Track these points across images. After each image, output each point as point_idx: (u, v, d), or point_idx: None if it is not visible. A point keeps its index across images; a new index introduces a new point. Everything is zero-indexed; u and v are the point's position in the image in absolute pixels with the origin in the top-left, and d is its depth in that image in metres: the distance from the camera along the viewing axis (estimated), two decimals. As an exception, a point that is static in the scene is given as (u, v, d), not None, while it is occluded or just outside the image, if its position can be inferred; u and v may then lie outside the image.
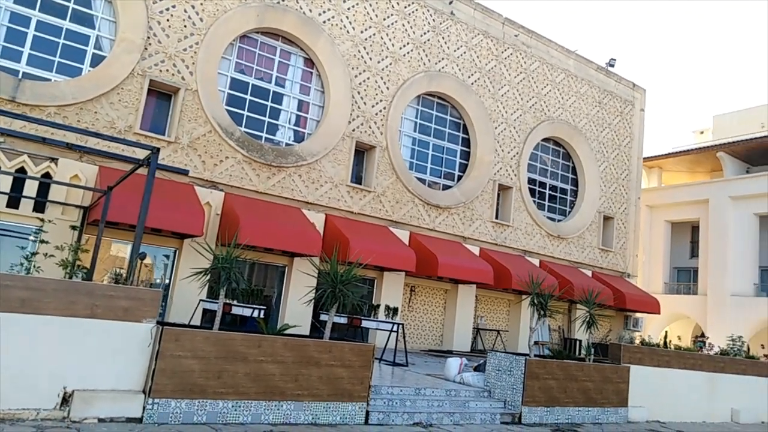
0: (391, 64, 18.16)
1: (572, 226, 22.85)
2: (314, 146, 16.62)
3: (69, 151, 12.04)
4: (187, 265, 13.33)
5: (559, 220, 23.03)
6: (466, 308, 19.45)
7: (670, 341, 18.72)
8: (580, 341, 20.16)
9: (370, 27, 17.81)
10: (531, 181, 22.20)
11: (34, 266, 8.59)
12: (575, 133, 23.17)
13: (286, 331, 8.64)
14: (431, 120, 19.94)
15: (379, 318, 14.12)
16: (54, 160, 12.81)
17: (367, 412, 8.30)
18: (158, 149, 7.82)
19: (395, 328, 13.17)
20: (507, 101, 21.02)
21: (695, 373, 13.38)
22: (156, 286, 14.36)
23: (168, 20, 14.42)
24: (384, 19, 18.13)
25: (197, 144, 14.61)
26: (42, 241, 10.55)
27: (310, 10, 16.64)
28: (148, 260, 14.65)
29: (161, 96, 14.76)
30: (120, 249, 14.21)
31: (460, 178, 20.26)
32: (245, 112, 16.17)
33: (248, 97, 16.26)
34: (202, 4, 14.92)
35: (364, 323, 13.41)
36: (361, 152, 17.89)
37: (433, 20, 19.31)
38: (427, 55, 19.02)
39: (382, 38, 18.04)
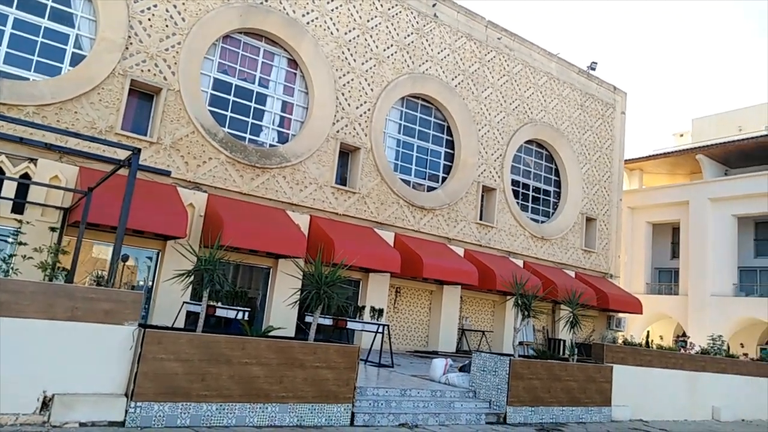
0: (375, 65, 18.16)
1: (555, 228, 23.05)
2: (298, 147, 16.55)
3: (48, 151, 11.84)
4: (170, 267, 13.17)
5: (542, 222, 23.21)
6: (451, 309, 19.50)
7: (652, 341, 18.98)
8: (564, 341, 20.34)
9: (354, 28, 17.80)
10: (514, 182, 22.35)
11: (12, 268, 8.41)
12: (558, 135, 23.39)
13: (271, 333, 8.58)
14: (415, 122, 19.98)
15: (364, 319, 14.09)
16: (33, 160, 12.58)
17: (353, 414, 8.27)
18: (139, 150, 7.72)
19: (380, 330, 13.14)
20: (490, 103, 21.15)
21: (677, 372, 13.56)
22: (138, 289, 14.18)
23: (149, 19, 14.26)
24: (368, 21, 18.14)
25: (180, 145, 14.46)
26: (20, 243, 10.34)
27: (294, 11, 16.58)
28: (130, 262, 14.46)
29: (143, 96, 14.58)
30: (101, 251, 14.00)
31: (444, 179, 20.32)
32: (228, 113, 16.05)
33: (231, 97, 16.13)
34: (184, 3, 14.78)
35: (350, 325, 13.37)
36: (346, 153, 17.86)
37: (417, 22, 19.37)
38: (411, 57, 19.06)
39: (366, 40, 18.04)
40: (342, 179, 17.69)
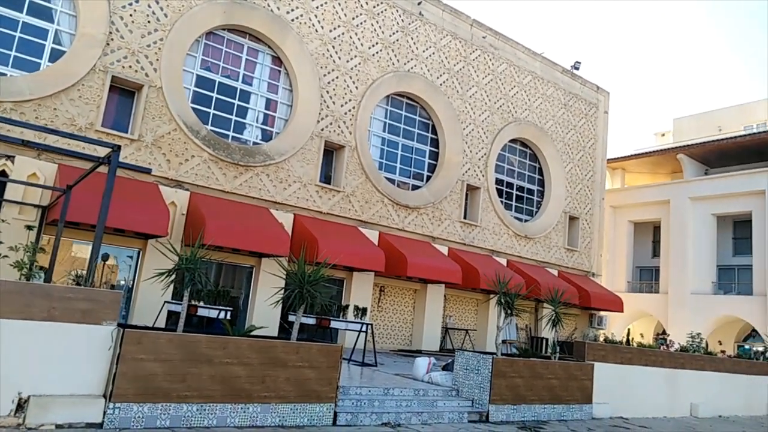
0: (360, 63, 18.12)
1: (539, 226, 23.21)
2: (282, 145, 16.46)
3: (26, 148, 11.62)
4: (151, 266, 12.98)
5: (526, 221, 23.37)
6: (435, 308, 19.55)
7: (633, 339, 19.22)
8: (547, 339, 20.50)
9: (339, 26, 17.74)
10: (498, 181, 22.47)
11: (-12, 268, 8.25)
12: (541, 134, 23.54)
13: (253, 333, 8.52)
14: (400, 120, 19.99)
15: (348, 318, 14.07)
16: (10, 157, 12.34)
17: (335, 413, 8.25)
18: (119, 147, 7.61)
19: (364, 329, 13.14)
20: (475, 102, 21.22)
21: (656, 369, 13.74)
22: (119, 288, 14.01)
23: (131, 15, 14.07)
24: (353, 19, 18.09)
25: (162, 142, 14.30)
26: (-4, 242, 10.13)
27: (278, 8, 16.48)
28: (111, 261, 14.28)
29: (124, 93, 14.39)
30: (81, 250, 13.80)
31: (429, 178, 20.36)
32: (212, 110, 15.91)
33: (215, 95, 16.00)
34: (167, -1, 14.61)
35: (333, 324, 13.34)
36: (330, 152, 17.81)
37: (402, 20, 19.36)
38: (396, 56, 19.05)
39: (350, 37, 17.99)
40: (326, 178, 17.64)
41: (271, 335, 11.25)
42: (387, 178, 19.10)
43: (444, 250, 19.42)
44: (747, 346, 26.62)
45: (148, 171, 8.92)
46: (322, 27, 17.37)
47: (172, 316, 13.30)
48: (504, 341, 17.53)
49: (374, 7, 18.65)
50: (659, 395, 13.68)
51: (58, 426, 6.23)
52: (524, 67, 23.10)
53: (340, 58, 17.67)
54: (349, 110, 17.78)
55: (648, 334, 28.84)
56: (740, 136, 29.06)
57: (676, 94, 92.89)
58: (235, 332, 8.12)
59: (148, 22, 14.31)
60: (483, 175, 21.20)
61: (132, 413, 6.63)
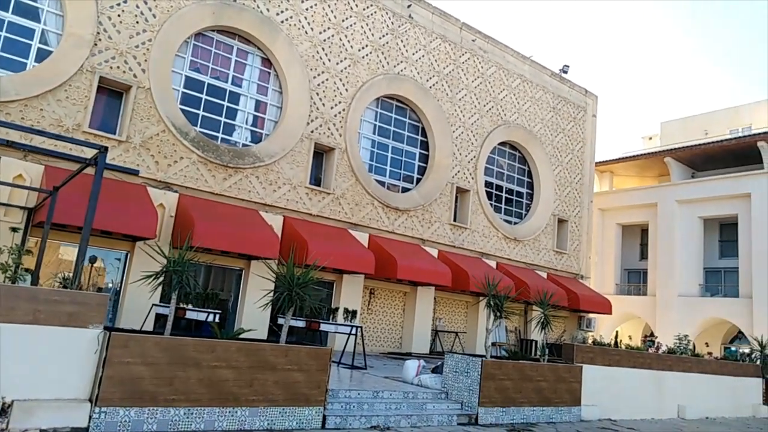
0: (350, 65, 18.12)
1: (528, 229, 23.31)
2: (272, 147, 16.41)
3: (12, 149, 11.48)
4: (139, 269, 12.88)
5: (515, 223, 23.46)
6: (425, 310, 19.56)
7: (621, 341, 19.34)
8: (536, 342, 20.58)
9: (328, 28, 17.72)
10: (488, 184, 22.54)
11: (-29, 271, 8.12)
12: (530, 137, 23.66)
13: (242, 336, 8.46)
14: (390, 123, 20.00)
15: (337, 321, 14.02)
16: (-5, 158, 12.19)
17: (324, 417, 8.21)
18: (106, 148, 7.54)
19: (354, 331, 13.10)
20: (464, 105, 21.29)
21: (644, 371, 13.82)
22: (106, 291, 13.87)
23: (119, 15, 13.97)
24: (342, 21, 18.08)
25: (150, 144, 14.20)
26: (-19, 244, 10.00)
27: (268, 10, 16.43)
28: (98, 264, 14.13)
29: (112, 94, 14.27)
30: (68, 252, 13.65)
31: (419, 180, 20.38)
32: (201, 112, 15.82)
33: (204, 96, 15.91)
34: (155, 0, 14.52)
35: (323, 326, 13.30)
36: (320, 154, 17.77)
37: (392, 23, 19.39)
38: (386, 58, 19.07)
39: (340, 39, 17.98)
40: (316, 180, 17.60)
41: (260, 338, 11.19)
42: (377, 181, 19.09)
43: (434, 252, 19.44)
44: (733, 348, 26.89)
45: (135, 172, 8.85)
46: (312, 29, 17.35)
47: (161, 319, 13.17)
48: (493, 343, 17.55)
49: (364, 9, 18.67)
50: (647, 397, 13.76)
51: (42, 431, 6.14)
52: (513, 71, 23.22)
53: (329, 60, 17.66)
54: (339, 112, 17.76)
55: (636, 336, 29.05)
56: (726, 139, 29.37)
57: (663, 98, 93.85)
58: (223, 335, 8.06)
59: (137, 22, 14.21)
60: (472, 178, 21.26)
61: (118, 417, 6.56)
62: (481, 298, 17.69)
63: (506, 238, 22.19)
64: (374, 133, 19.60)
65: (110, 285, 14.16)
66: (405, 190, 20.01)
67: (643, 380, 13.67)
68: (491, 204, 22.42)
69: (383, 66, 18.99)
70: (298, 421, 7.91)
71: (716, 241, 28.89)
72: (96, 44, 13.57)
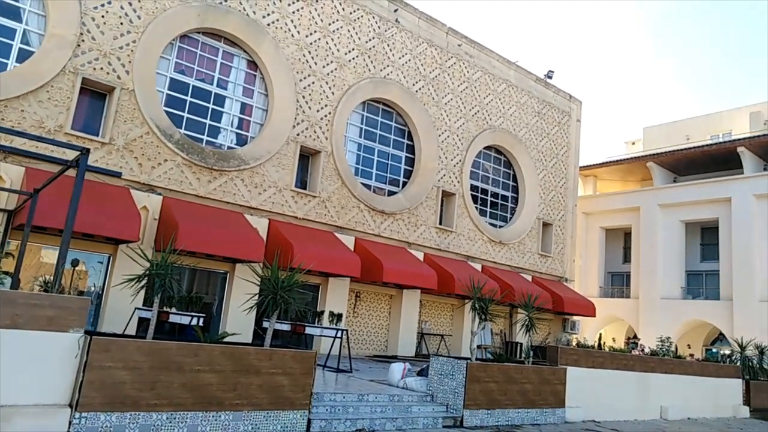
0: (336, 69, 18.12)
1: (513, 232, 23.45)
2: (257, 150, 16.34)
3: (-9, 151, 11.30)
4: (122, 272, 12.73)
5: (500, 226, 23.59)
6: (411, 313, 19.57)
7: (605, 343, 19.53)
8: (521, 344, 20.68)
9: (315, 31, 17.71)
10: (473, 188, 22.65)
11: (-51, 274, 7.98)
12: (516, 141, 23.83)
13: (226, 339, 8.41)
14: (376, 126, 20.03)
15: (323, 324, 13.98)
16: (-26, 160, 11.99)
17: (309, 420, 8.17)
18: (88, 150, 7.46)
19: (339, 335, 13.07)
20: (450, 109, 21.39)
21: (627, 373, 13.96)
22: (89, 294, 13.69)
23: (103, 16, 13.83)
24: (329, 24, 18.09)
25: (133, 146, 14.06)
26: (-41, 247, 9.83)
27: (254, 12, 16.39)
28: (81, 267, 13.94)
29: (95, 95, 14.12)
30: (49, 255, 13.45)
31: (404, 184, 20.42)
32: (185, 114, 15.71)
33: (189, 98, 15.80)
34: (140, 1, 14.41)
35: (308, 330, 13.24)
36: (306, 157, 17.73)
37: (379, 27, 19.43)
38: (372, 62, 19.10)
39: (327, 43, 17.97)
40: (302, 183, 17.56)
41: (245, 342, 11.12)
42: (363, 184, 19.09)
43: (420, 255, 19.48)
44: (714, 350, 27.29)
45: (117, 174, 8.77)
46: (299, 32, 17.33)
47: (144, 323, 13.03)
48: (479, 346, 17.63)
49: (351, 13, 18.69)
50: (630, 398, 13.90)
51: (21, 437, 6.04)
52: (499, 75, 23.38)
53: (316, 63, 17.64)
54: (325, 116, 17.75)
55: (619, 338, 29.33)
56: (707, 145, 29.87)
57: (646, 103, 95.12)
58: (207, 339, 8.00)
59: (121, 23, 14.08)
60: (458, 182, 21.35)
61: (99, 423, 6.47)
62: (466, 301, 17.77)
63: (491, 242, 22.30)
64: (360, 137, 19.61)
65: (92, 288, 13.98)
66: (391, 193, 20.03)
67: (626, 382, 13.81)
68: (477, 207, 22.53)
69: (370, 70, 19.02)
70: (283, 425, 7.87)
71: (698, 245, 29.32)
72: (79, 45, 13.43)
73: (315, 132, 17.45)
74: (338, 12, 18.35)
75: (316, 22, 17.75)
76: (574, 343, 21.78)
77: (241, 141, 16.71)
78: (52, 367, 6.40)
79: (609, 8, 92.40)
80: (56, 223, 10.77)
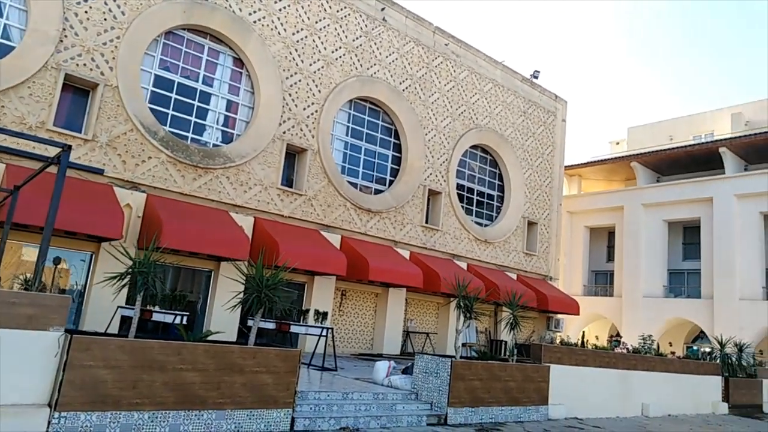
0: (323, 67, 18.08)
1: (498, 231, 23.59)
2: (243, 148, 16.26)
3: (-29, 147, 11.12)
4: (104, 270, 12.64)
5: (486, 225, 23.71)
6: (396, 311, 19.61)
7: (588, 341, 19.71)
8: (506, 342, 20.82)
9: (302, 29, 17.66)
10: (459, 186, 22.74)
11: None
12: (502, 141, 23.96)
13: (209, 338, 8.37)
14: (363, 125, 20.02)
15: (308, 323, 13.96)
16: (-47, 156, 11.81)
17: (293, 419, 8.17)
18: (69, 146, 7.38)
19: (324, 333, 13.07)
20: (437, 108, 21.44)
21: (610, 370, 14.12)
22: (70, 292, 13.54)
23: (86, 12, 13.67)
24: (316, 22, 18.04)
25: (117, 143, 13.92)
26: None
27: (240, 9, 16.29)
28: (63, 265, 13.78)
29: (78, 91, 13.95)
30: (30, 253, 13.28)
31: (391, 182, 20.44)
32: (170, 111, 15.58)
33: (174, 95, 15.67)
34: (124, -4, 14.26)
35: (293, 328, 13.22)
36: (292, 155, 17.68)
37: (366, 26, 19.42)
38: (359, 60, 19.09)
39: (314, 41, 17.93)
40: (288, 181, 17.51)
41: (229, 340, 11.07)
42: (349, 182, 19.08)
43: (406, 254, 19.52)
44: (695, 348, 27.67)
45: (100, 171, 8.68)
46: (285, 30, 17.26)
47: (126, 322, 12.92)
48: (464, 344, 17.70)
49: (338, 11, 18.66)
50: (612, 396, 14.06)
51: (-1, 437, 5.97)
52: (485, 75, 23.48)
53: (302, 61, 17.59)
54: (312, 114, 17.70)
55: (603, 336, 29.65)
56: (690, 145, 30.26)
57: (630, 104, 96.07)
58: (190, 337, 7.96)
59: (105, 19, 13.93)
60: (444, 180, 21.42)
61: (79, 422, 6.41)
62: (451, 299, 17.86)
63: (477, 240, 22.42)
64: (347, 135, 19.59)
65: (74, 287, 13.83)
66: (377, 191, 20.05)
67: (608, 379, 13.96)
68: (462, 206, 22.62)
69: (356, 68, 19.00)
70: (266, 424, 7.86)
71: (680, 244, 29.72)
72: (62, 40, 13.26)
73: (301, 130, 17.40)
74: (325, 10, 18.31)
75: (303, 20, 17.69)
76: (557, 341, 21.98)
77: (227, 139, 16.62)
78: (31, 367, 6.33)
79: (594, 9, 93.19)
80: (37, 220, 10.64)
